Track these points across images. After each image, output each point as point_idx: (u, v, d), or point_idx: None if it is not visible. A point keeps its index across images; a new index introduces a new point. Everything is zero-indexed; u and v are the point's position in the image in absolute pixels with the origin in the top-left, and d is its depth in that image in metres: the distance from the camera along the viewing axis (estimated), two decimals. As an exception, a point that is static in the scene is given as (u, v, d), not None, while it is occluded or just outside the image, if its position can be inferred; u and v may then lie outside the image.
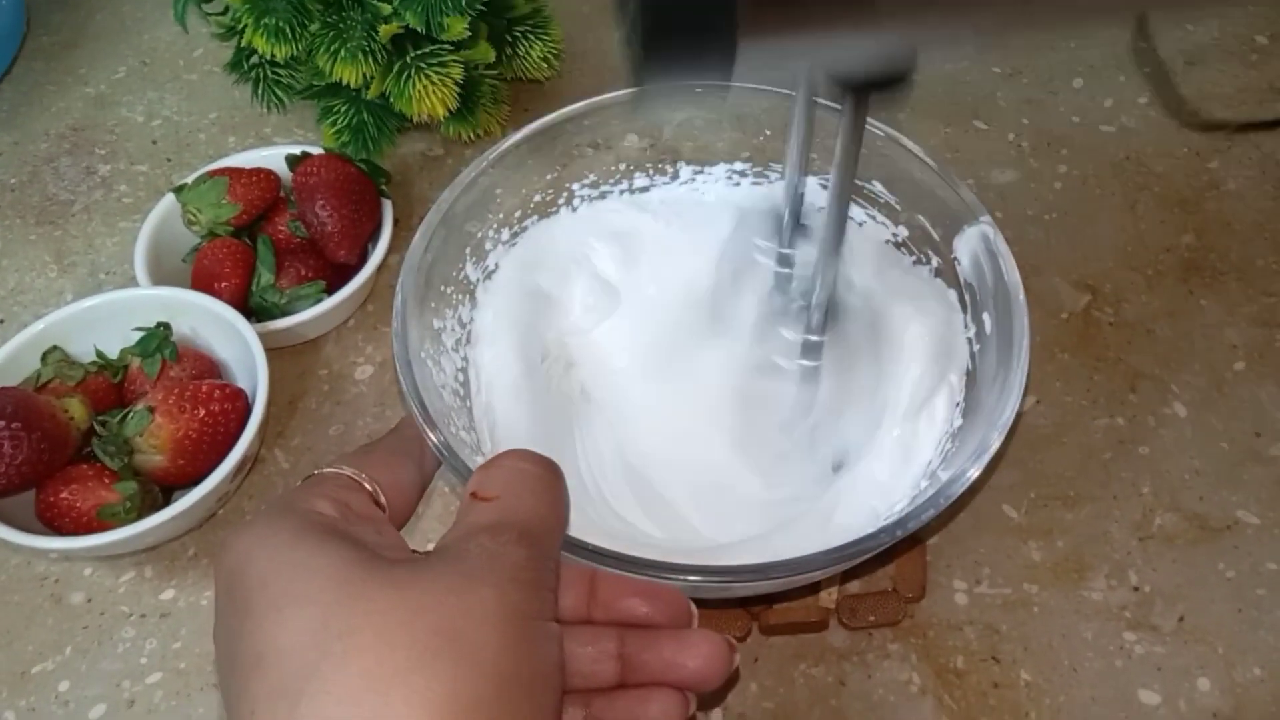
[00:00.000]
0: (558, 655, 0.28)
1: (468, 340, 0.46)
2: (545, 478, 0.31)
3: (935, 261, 0.47)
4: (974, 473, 0.37)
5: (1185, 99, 0.64)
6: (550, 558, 0.29)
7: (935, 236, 0.47)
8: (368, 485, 0.32)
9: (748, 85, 0.48)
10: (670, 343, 0.48)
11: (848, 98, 0.33)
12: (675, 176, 0.52)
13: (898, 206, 0.48)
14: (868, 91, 0.32)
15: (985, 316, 0.44)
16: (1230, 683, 0.43)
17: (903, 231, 0.49)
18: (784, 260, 0.45)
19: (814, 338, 0.42)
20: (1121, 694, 0.43)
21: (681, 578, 0.34)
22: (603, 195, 0.51)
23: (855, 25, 0.27)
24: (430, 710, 0.23)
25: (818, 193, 0.47)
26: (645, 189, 0.52)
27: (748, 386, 0.45)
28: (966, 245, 0.45)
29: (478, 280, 0.47)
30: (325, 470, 0.32)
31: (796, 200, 0.44)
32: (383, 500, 0.32)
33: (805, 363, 0.43)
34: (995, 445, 0.38)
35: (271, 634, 0.25)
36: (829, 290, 0.40)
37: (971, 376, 0.44)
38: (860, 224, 0.50)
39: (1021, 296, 0.41)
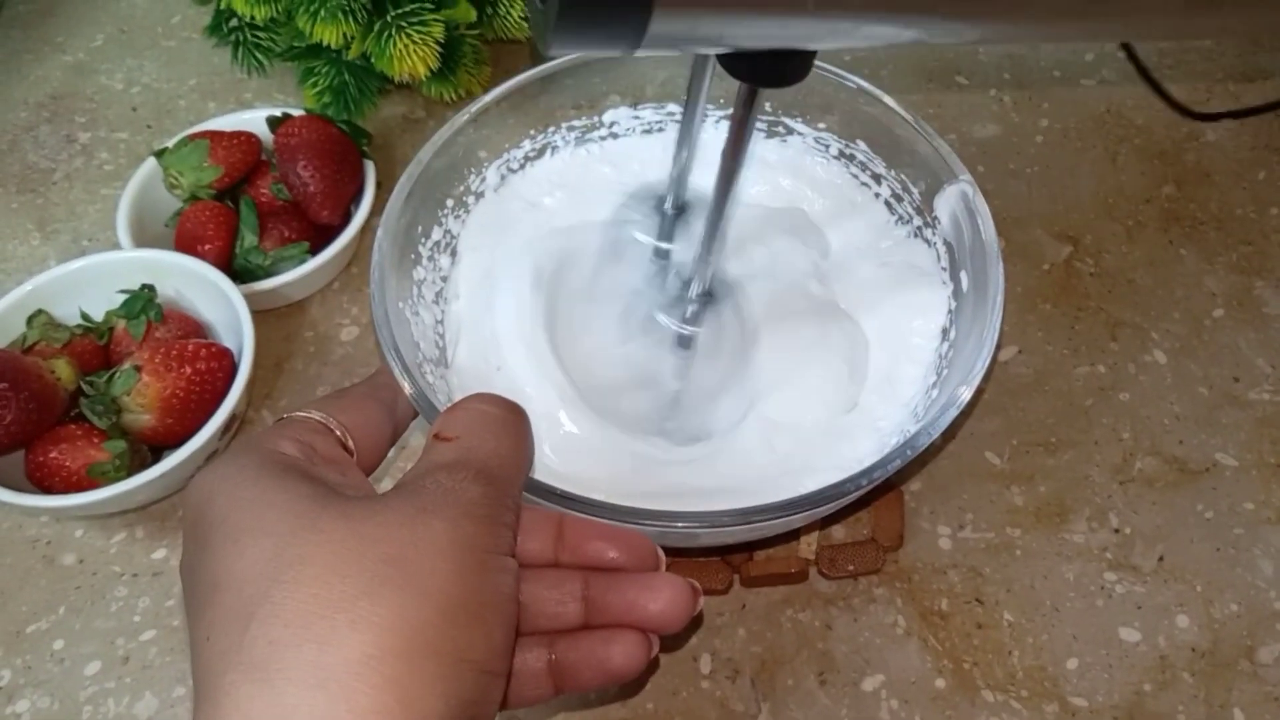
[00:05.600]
0: (510, 588, 0.28)
1: (446, 292, 0.46)
2: (508, 420, 0.32)
3: (915, 221, 0.47)
4: (940, 427, 0.37)
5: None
6: (508, 495, 0.30)
7: (916, 195, 0.47)
8: (335, 429, 0.32)
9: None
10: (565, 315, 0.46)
11: (739, 91, 0.32)
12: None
13: (881, 166, 0.48)
14: (757, 84, 0.31)
15: (963, 275, 0.44)
16: (1208, 619, 0.44)
17: (885, 190, 0.49)
18: (662, 251, 0.45)
19: (687, 328, 0.41)
20: (1103, 632, 0.43)
21: (647, 523, 0.35)
22: (584, 143, 0.51)
23: (769, 6, 0.26)
24: (375, 633, 0.24)
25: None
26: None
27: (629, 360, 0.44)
28: (946, 204, 0.45)
29: (459, 233, 0.47)
30: (295, 414, 0.32)
31: (679, 193, 0.43)
32: (350, 444, 0.32)
33: (684, 333, 0.42)
34: (962, 402, 0.38)
35: (227, 564, 0.26)
36: (704, 285, 0.40)
37: (948, 333, 0.44)
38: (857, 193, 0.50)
39: (998, 255, 0.41)
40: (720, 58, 0.31)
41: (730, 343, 0.43)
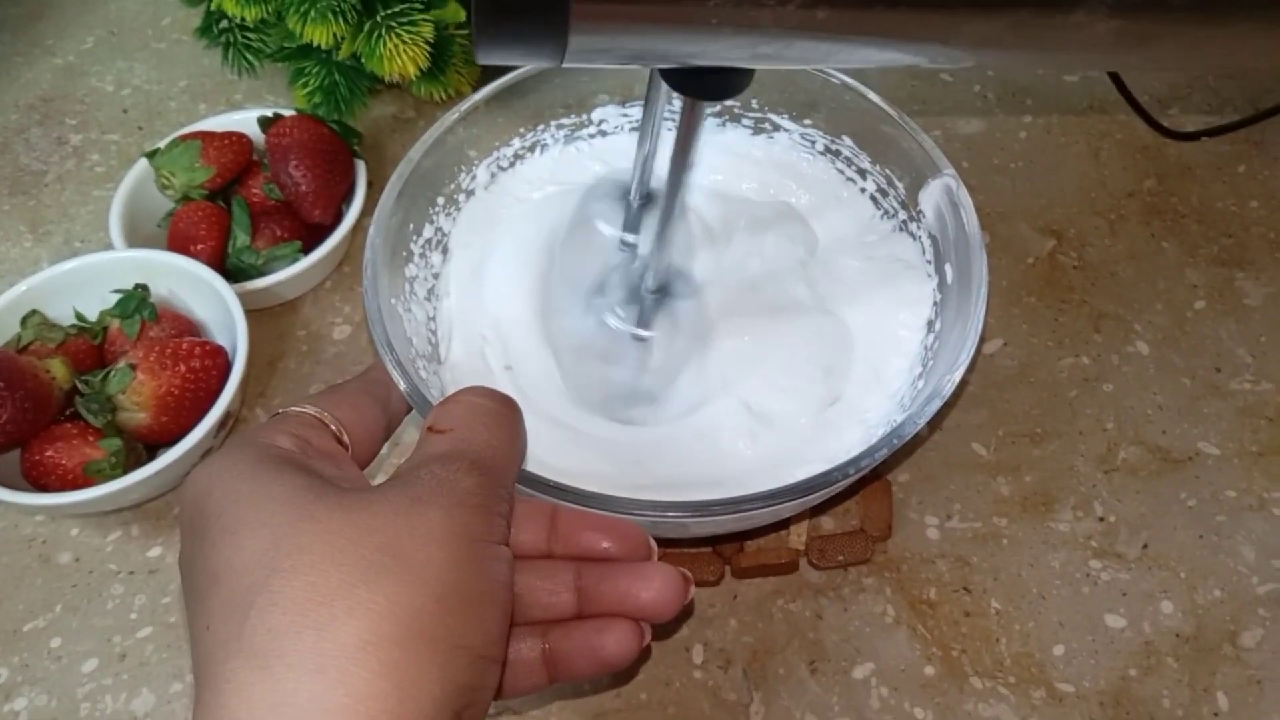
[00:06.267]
0: (505, 575, 0.29)
1: (438, 289, 0.47)
2: (501, 412, 0.32)
3: (901, 215, 0.48)
4: (926, 417, 0.38)
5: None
6: (502, 486, 0.30)
7: (901, 190, 0.48)
8: (330, 424, 0.33)
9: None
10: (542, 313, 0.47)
11: (683, 101, 0.32)
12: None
13: (866, 161, 0.49)
14: (695, 97, 0.31)
15: (947, 267, 0.45)
16: (1192, 604, 0.44)
17: (870, 185, 0.49)
18: (628, 243, 0.45)
19: (642, 332, 0.42)
20: (1088, 619, 0.44)
21: (639, 513, 0.35)
22: (573, 141, 0.52)
23: (685, 26, 0.26)
24: (372, 620, 0.25)
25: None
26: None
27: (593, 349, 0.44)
28: (930, 198, 0.46)
29: (450, 231, 0.48)
30: (290, 409, 0.33)
31: (644, 185, 0.43)
32: (345, 439, 0.33)
33: (640, 333, 0.43)
34: (948, 391, 0.38)
35: (226, 556, 0.26)
36: (660, 279, 0.40)
37: (933, 325, 0.45)
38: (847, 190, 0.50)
39: (981, 247, 0.42)
40: (660, 70, 0.31)
41: (686, 337, 0.44)
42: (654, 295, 0.41)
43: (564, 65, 0.27)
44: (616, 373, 0.43)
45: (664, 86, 0.35)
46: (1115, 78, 0.62)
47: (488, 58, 0.26)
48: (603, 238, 0.44)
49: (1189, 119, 0.62)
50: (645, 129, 0.40)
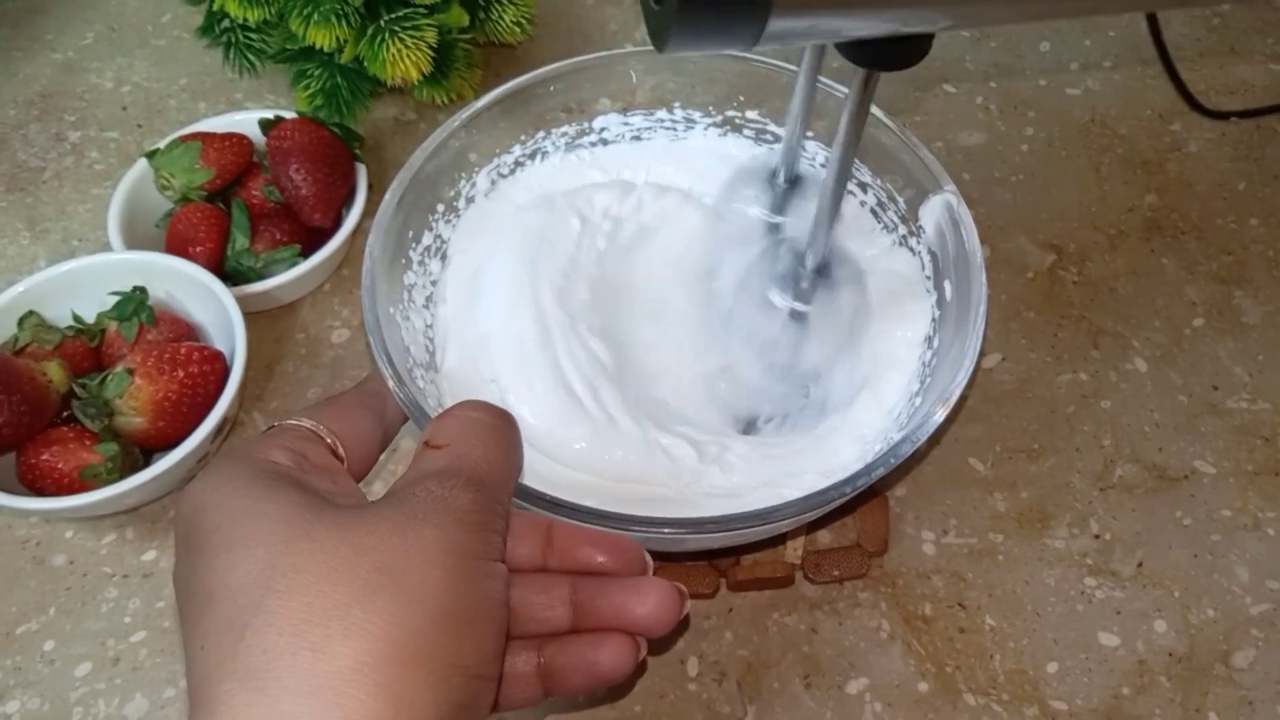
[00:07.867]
0: (501, 593, 0.29)
1: (435, 296, 0.47)
2: (497, 427, 0.32)
3: (901, 230, 0.48)
4: (923, 436, 0.38)
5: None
6: (498, 502, 0.30)
7: (902, 204, 0.48)
8: (326, 437, 0.32)
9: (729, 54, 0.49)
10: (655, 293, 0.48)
11: (857, 75, 0.33)
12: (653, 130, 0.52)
13: (867, 174, 0.49)
14: (878, 69, 0.32)
15: (946, 284, 0.45)
16: (1185, 624, 0.44)
17: (871, 199, 0.49)
18: (774, 226, 0.46)
19: (800, 305, 0.42)
20: (1082, 636, 0.44)
21: (634, 528, 0.35)
22: (574, 149, 0.52)
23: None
24: (368, 640, 0.25)
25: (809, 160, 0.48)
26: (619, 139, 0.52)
27: (733, 333, 0.45)
28: (931, 214, 0.46)
29: (449, 238, 0.48)
30: (285, 422, 0.32)
31: (791, 167, 0.44)
32: (341, 452, 0.33)
33: (797, 307, 0.43)
34: (942, 414, 0.38)
35: (221, 574, 0.26)
36: (819, 259, 0.40)
37: (931, 342, 0.45)
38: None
39: (981, 267, 0.42)
40: (839, 46, 0.31)
41: (845, 318, 0.44)
42: (813, 275, 0.41)
43: (753, 49, 0.27)
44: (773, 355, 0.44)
45: (812, 66, 0.35)
46: (1155, 32, 0.62)
47: (680, 47, 0.26)
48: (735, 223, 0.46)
49: (1191, 134, 0.62)
50: (799, 109, 0.41)
